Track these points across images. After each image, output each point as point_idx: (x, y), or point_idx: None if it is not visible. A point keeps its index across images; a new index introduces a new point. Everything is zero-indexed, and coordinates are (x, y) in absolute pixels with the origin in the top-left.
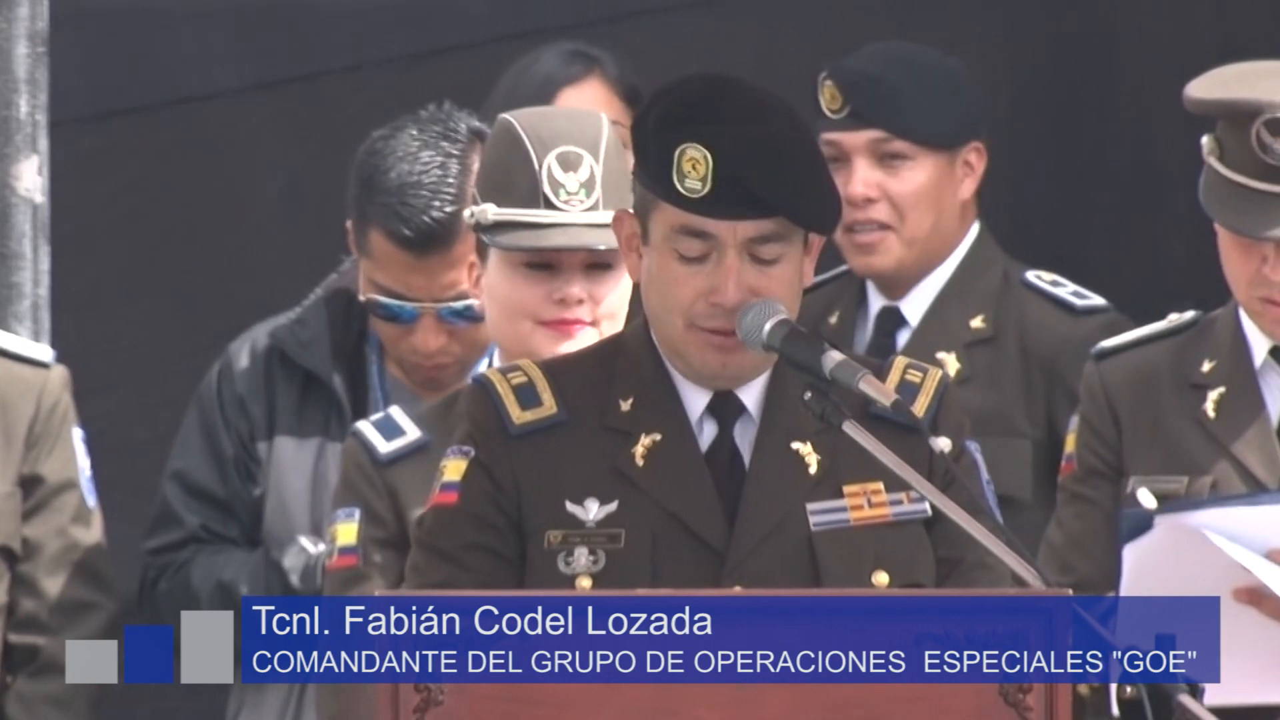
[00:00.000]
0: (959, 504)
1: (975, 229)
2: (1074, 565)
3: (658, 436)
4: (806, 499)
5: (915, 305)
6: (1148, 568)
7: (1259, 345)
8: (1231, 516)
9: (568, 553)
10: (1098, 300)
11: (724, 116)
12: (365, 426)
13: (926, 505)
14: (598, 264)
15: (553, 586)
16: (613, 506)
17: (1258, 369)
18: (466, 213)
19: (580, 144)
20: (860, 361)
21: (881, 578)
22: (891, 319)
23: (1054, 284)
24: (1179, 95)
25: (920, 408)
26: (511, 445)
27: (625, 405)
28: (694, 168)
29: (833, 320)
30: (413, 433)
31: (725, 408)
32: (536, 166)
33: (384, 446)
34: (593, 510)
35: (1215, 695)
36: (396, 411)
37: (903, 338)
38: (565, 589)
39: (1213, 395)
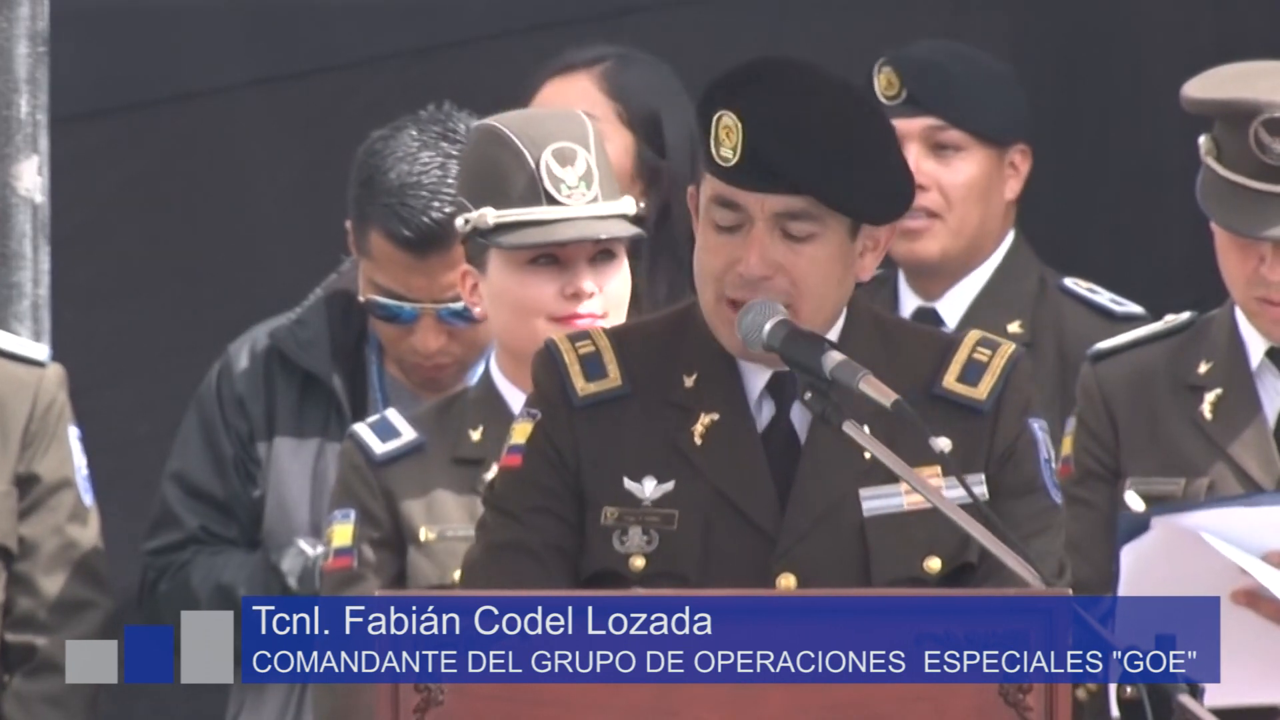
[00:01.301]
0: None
1: (1011, 234)
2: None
3: (716, 416)
4: (860, 484)
5: (951, 307)
6: (1145, 569)
7: (1256, 347)
8: (1228, 518)
9: (622, 531)
10: (1135, 308)
11: (769, 90)
12: (361, 428)
13: (983, 489)
14: (602, 255)
15: (607, 564)
16: (669, 486)
17: (1254, 370)
18: (460, 220)
19: (572, 139)
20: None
21: (934, 563)
22: (927, 320)
23: (1091, 290)
24: (1179, 95)
25: (985, 387)
26: (574, 416)
27: (689, 381)
28: (728, 136)
29: None
30: (408, 434)
31: (783, 388)
32: (533, 165)
33: (379, 447)
34: (649, 488)
35: (1213, 697)
36: (392, 413)
37: None
38: (619, 568)
39: (1209, 396)
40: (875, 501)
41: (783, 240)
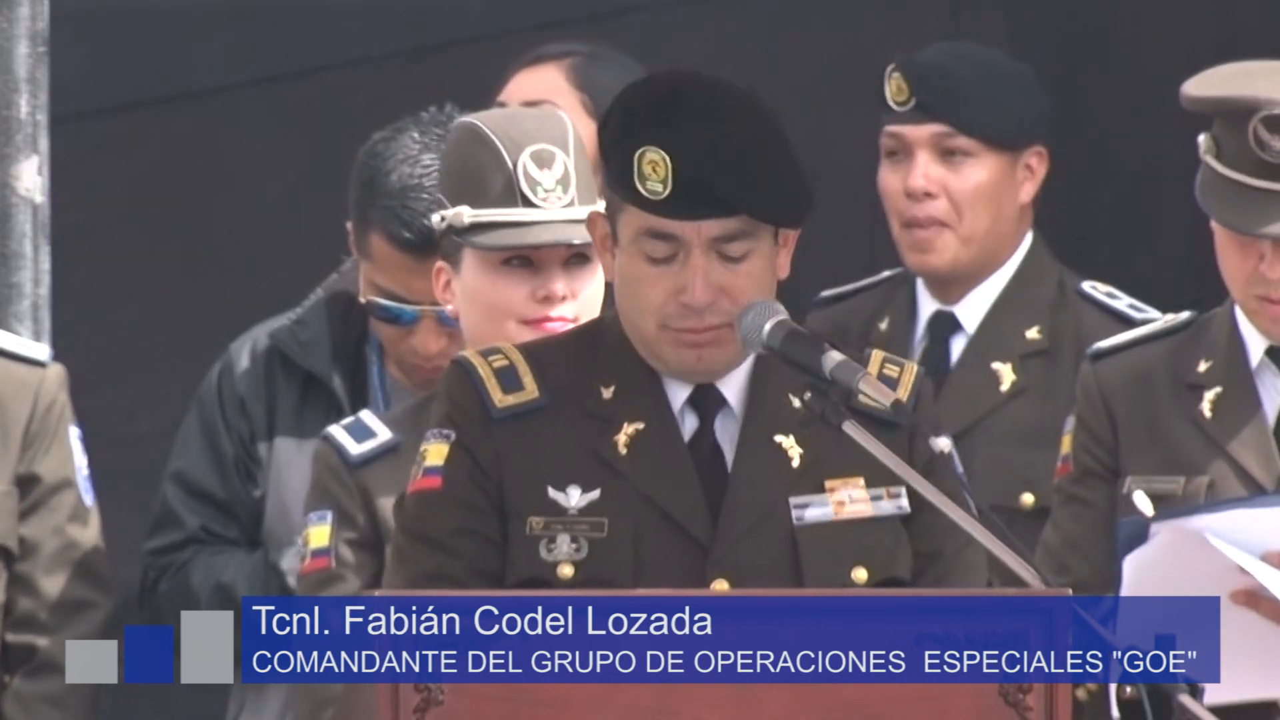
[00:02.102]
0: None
1: (1029, 236)
2: (1070, 567)
3: (640, 425)
4: (789, 492)
5: (970, 311)
6: (1147, 573)
7: (1255, 345)
8: (1228, 519)
9: (549, 540)
10: (1154, 313)
11: (682, 117)
12: (336, 430)
13: (905, 501)
14: (576, 259)
15: (533, 573)
16: (595, 494)
17: (1254, 369)
18: (436, 217)
19: (551, 141)
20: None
21: (860, 574)
22: (946, 324)
23: (1110, 296)
24: (1179, 95)
25: (900, 399)
26: (493, 429)
27: (607, 393)
28: (654, 170)
29: (883, 325)
30: (383, 434)
31: (706, 400)
32: (511, 166)
33: (354, 448)
34: (575, 497)
35: (1213, 695)
36: (367, 414)
37: (957, 344)
38: (546, 576)
39: (1209, 395)
40: (805, 510)
41: (720, 262)
